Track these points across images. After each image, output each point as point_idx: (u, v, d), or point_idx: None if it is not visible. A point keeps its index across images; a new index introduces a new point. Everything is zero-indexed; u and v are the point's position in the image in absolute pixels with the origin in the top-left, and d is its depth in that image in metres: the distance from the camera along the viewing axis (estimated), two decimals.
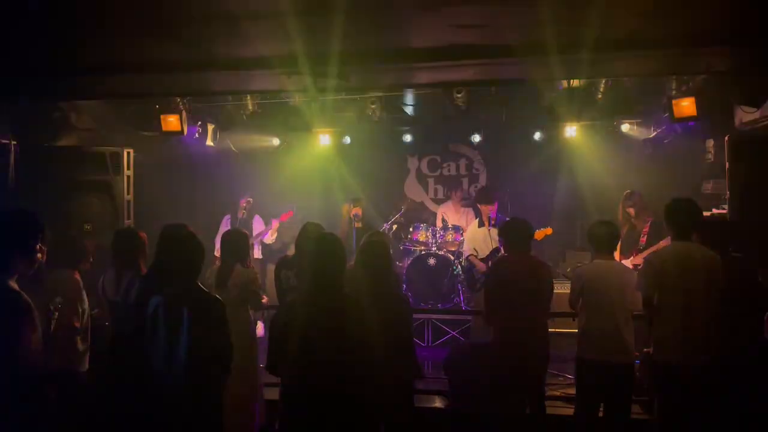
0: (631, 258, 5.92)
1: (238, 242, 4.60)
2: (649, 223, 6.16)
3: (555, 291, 4.67)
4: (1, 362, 2.63)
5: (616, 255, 4.93)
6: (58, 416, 3.29)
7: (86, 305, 4.38)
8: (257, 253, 7.65)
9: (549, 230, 6.63)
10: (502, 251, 4.85)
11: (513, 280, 4.33)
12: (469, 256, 6.86)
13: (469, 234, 7.09)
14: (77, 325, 4.25)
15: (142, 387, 3.26)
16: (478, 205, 6.89)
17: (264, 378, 4.32)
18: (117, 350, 4.07)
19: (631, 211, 6.31)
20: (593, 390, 4.16)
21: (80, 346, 4.32)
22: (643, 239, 6.11)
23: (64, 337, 4.10)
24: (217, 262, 4.92)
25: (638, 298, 4.13)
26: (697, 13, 3.80)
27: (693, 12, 3.78)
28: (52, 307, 3.86)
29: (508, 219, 5.40)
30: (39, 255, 2.91)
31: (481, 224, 6.88)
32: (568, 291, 4.50)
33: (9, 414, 2.62)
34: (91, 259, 4.58)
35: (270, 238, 7.72)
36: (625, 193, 6.44)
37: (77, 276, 4.39)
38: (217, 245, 7.41)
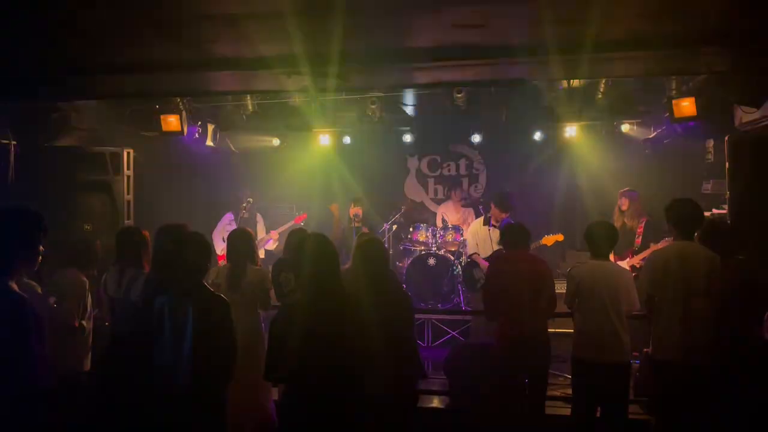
0: (627, 259, 5.92)
1: (245, 241, 4.58)
2: (643, 223, 6.16)
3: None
4: (5, 376, 2.44)
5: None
6: (60, 418, 3.26)
7: (89, 305, 4.38)
8: (260, 254, 7.66)
9: (560, 236, 6.59)
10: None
11: (512, 277, 4.34)
12: (472, 254, 6.85)
13: (472, 230, 7.08)
14: (76, 324, 4.25)
15: (144, 386, 3.26)
16: (492, 205, 6.83)
17: None
18: (117, 349, 4.07)
19: (623, 204, 6.31)
20: (590, 390, 4.17)
21: (81, 347, 4.32)
22: (638, 240, 6.11)
23: (63, 338, 4.10)
24: (222, 262, 4.92)
25: (635, 299, 4.14)
26: (697, 13, 3.80)
27: (693, 12, 3.78)
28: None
29: (507, 225, 5.40)
30: (39, 257, 2.81)
31: (486, 222, 6.84)
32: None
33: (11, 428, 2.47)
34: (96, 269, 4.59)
35: (273, 245, 7.73)
36: (621, 191, 6.46)
37: (83, 277, 4.39)
38: (217, 242, 7.44)
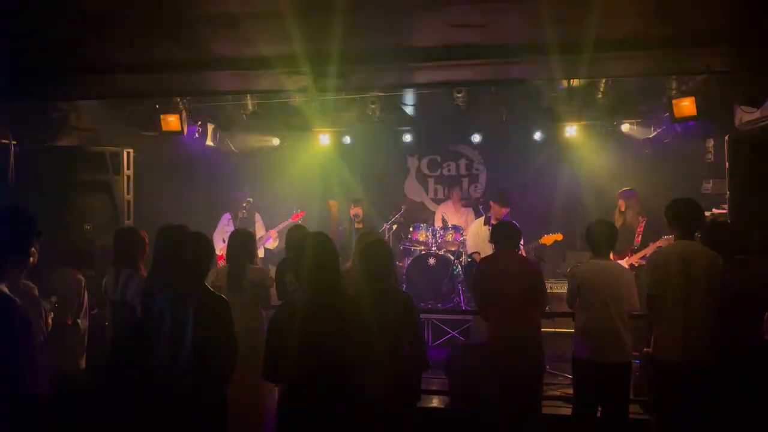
0: (626, 258, 5.92)
1: (245, 242, 4.58)
2: (644, 223, 6.16)
3: (555, 291, 4.67)
4: None
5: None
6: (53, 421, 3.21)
7: (85, 305, 4.37)
8: (260, 252, 7.66)
9: (559, 236, 6.60)
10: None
11: (500, 277, 4.34)
12: (473, 253, 6.85)
13: (473, 230, 7.07)
14: (69, 323, 4.24)
15: (143, 386, 3.26)
16: (491, 203, 6.83)
17: None
18: (117, 349, 4.07)
19: (621, 204, 6.33)
20: (590, 389, 4.16)
21: (76, 346, 4.31)
22: (638, 239, 6.11)
23: (59, 337, 4.08)
24: (222, 263, 4.92)
25: (636, 299, 4.14)
26: (697, 13, 3.80)
27: (693, 12, 3.78)
28: (48, 307, 3.83)
29: (497, 223, 5.41)
30: (31, 258, 2.72)
31: (486, 222, 6.84)
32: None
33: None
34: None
35: (272, 243, 7.74)
36: (619, 192, 6.47)
37: (79, 276, 4.38)
38: (216, 243, 7.44)
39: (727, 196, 5.46)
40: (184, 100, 6.53)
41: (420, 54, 4.54)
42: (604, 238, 4.30)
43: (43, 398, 2.52)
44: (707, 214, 5.58)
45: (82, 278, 4.40)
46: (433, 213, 9.11)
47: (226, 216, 7.70)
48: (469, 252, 7.02)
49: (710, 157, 7.21)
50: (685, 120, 5.76)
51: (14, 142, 6.20)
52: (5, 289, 2.51)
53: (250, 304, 4.33)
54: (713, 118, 6.13)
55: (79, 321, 4.33)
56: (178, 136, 6.57)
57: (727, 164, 5.44)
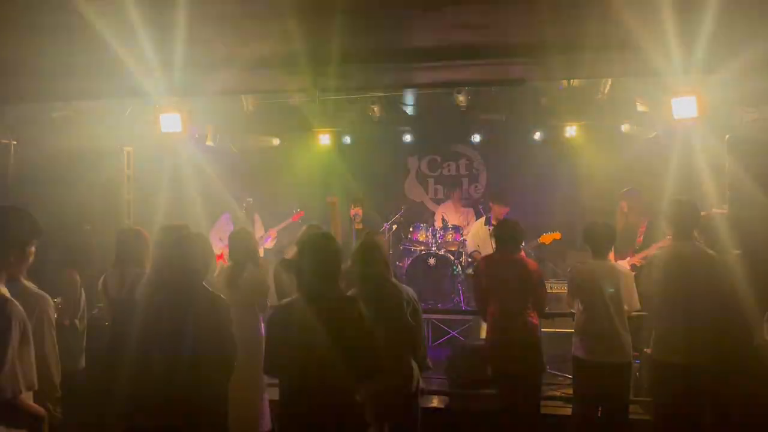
0: (628, 258, 5.93)
1: (247, 242, 4.57)
2: (646, 223, 6.16)
3: (555, 291, 4.67)
4: None
5: (611, 255, 4.94)
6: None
7: (83, 304, 4.37)
8: (260, 252, 7.67)
9: (557, 234, 6.61)
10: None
11: (498, 278, 4.34)
12: (473, 252, 6.85)
13: (474, 230, 7.07)
14: (66, 323, 4.24)
15: (143, 386, 3.25)
16: (491, 204, 6.84)
17: (268, 379, 4.30)
18: (118, 348, 4.06)
19: (624, 206, 6.33)
20: (590, 390, 4.17)
21: (75, 346, 4.31)
22: (640, 239, 6.11)
23: (56, 338, 4.08)
24: (221, 262, 4.92)
25: (635, 299, 4.14)
26: (696, 13, 3.80)
27: (693, 12, 3.79)
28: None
29: (500, 220, 5.41)
30: (30, 259, 2.69)
31: (487, 222, 6.85)
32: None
33: None
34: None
35: (270, 243, 7.75)
36: (620, 193, 6.47)
37: (76, 276, 4.39)
38: (214, 242, 7.44)
39: (727, 196, 5.46)
40: (185, 100, 6.52)
41: (420, 54, 4.54)
42: (603, 239, 4.30)
43: (14, 404, 2.43)
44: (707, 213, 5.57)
45: (78, 279, 4.40)
46: (433, 213, 9.11)
47: (225, 216, 7.71)
48: (469, 251, 7.02)
49: (711, 156, 7.21)
50: (685, 120, 5.76)
51: (14, 142, 6.21)
52: (4, 290, 2.50)
53: (248, 304, 4.32)
54: (713, 118, 6.13)
55: (76, 321, 4.33)
56: (178, 136, 6.56)
57: (727, 164, 5.44)
